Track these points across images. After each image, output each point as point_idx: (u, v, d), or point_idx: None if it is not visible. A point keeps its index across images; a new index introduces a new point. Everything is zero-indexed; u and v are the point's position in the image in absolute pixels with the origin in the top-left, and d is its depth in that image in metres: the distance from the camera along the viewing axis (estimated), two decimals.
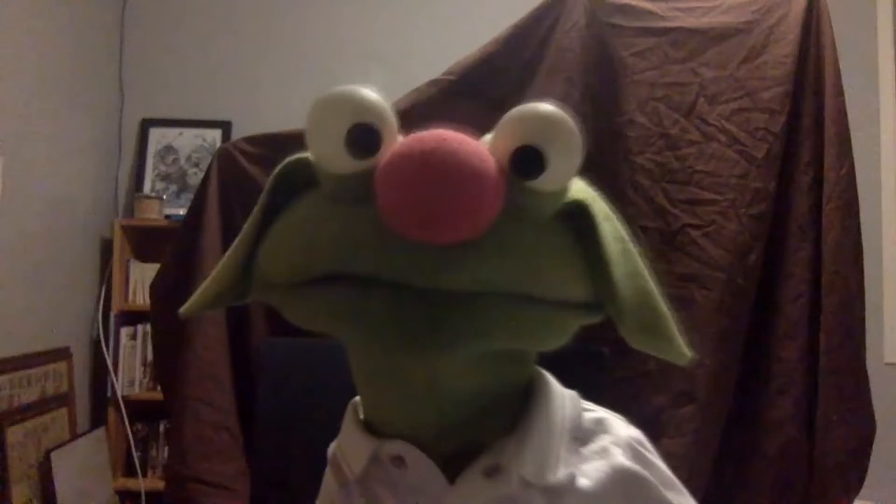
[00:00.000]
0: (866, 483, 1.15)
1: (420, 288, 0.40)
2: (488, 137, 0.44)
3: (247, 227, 0.49)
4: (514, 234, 0.42)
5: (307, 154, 0.46)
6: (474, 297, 0.40)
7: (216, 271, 0.51)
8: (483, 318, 0.41)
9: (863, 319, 1.19)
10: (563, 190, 0.44)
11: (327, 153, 0.43)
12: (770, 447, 1.17)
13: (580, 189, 0.47)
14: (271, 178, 0.48)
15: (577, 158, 0.43)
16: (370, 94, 0.42)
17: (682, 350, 0.47)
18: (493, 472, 0.48)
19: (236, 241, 0.50)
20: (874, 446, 1.16)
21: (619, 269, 0.45)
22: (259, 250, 0.48)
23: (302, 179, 0.46)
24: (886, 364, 2.19)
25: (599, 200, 0.48)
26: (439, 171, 0.38)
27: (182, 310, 0.52)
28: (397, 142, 0.41)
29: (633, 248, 0.47)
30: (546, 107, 0.42)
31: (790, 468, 1.16)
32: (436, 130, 0.39)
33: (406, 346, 0.41)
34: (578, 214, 0.45)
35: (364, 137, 0.41)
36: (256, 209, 0.48)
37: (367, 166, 0.41)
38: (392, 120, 0.43)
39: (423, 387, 0.46)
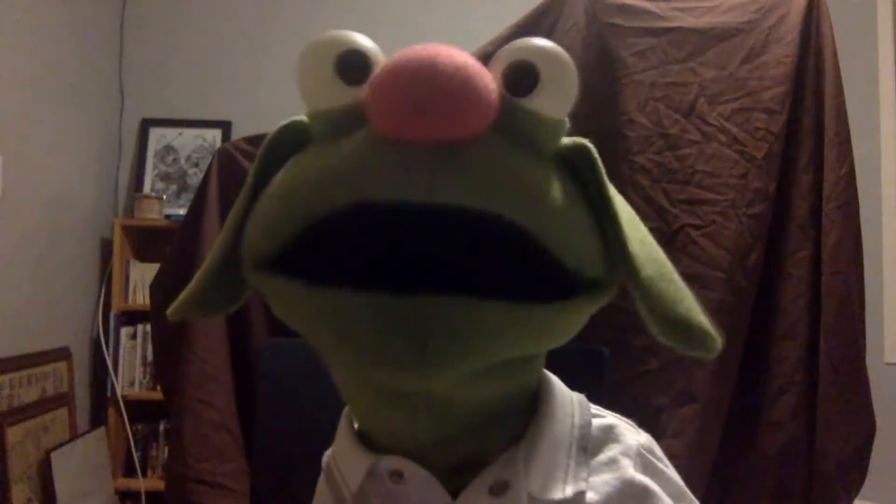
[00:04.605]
0: (866, 483, 1.15)
1: (415, 204, 0.36)
2: None
3: (236, 205, 0.46)
4: (510, 150, 0.39)
5: (298, 119, 0.45)
6: (468, 308, 0.37)
7: (205, 264, 0.47)
8: (476, 335, 0.37)
9: (863, 319, 1.19)
10: (561, 121, 0.42)
11: (318, 86, 0.42)
12: (770, 447, 1.17)
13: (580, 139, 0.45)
14: (262, 148, 0.45)
15: (571, 85, 0.41)
16: (359, 34, 0.42)
17: (708, 329, 0.41)
18: (499, 490, 0.46)
19: (228, 220, 0.46)
20: (874, 446, 1.16)
21: (629, 229, 0.42)
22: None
23: (293, 150, 0.44)
24: (886, 364, 2.19)
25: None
26: (430, 66, 0.36)
27: (169, 311, 0.48)
28: None
29: (641, 224, 0.45)
30: (539, 40, 0.41)
31: (790, 468, 1.16)
32: (428, 44, 0.38)
33: (392, 365, 0.37)
34: (581, 162, 0.43)
35: (354, 63, 0.40)
36: (247, 183, 0.45)
37: (359, 98, 0.39)
38: (379, 53, 0.42)
39: (417, 401, 0.43)
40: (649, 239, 0.44)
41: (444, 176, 0.36)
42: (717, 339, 0.41)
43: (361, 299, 0.37)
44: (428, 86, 0.35)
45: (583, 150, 0.43)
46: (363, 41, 0.41)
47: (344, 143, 0.39)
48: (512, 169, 0.39)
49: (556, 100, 0.41)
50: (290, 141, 0.44)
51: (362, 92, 0.39)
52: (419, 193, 0.36)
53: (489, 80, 0.37)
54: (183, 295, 0.48)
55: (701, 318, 0.41)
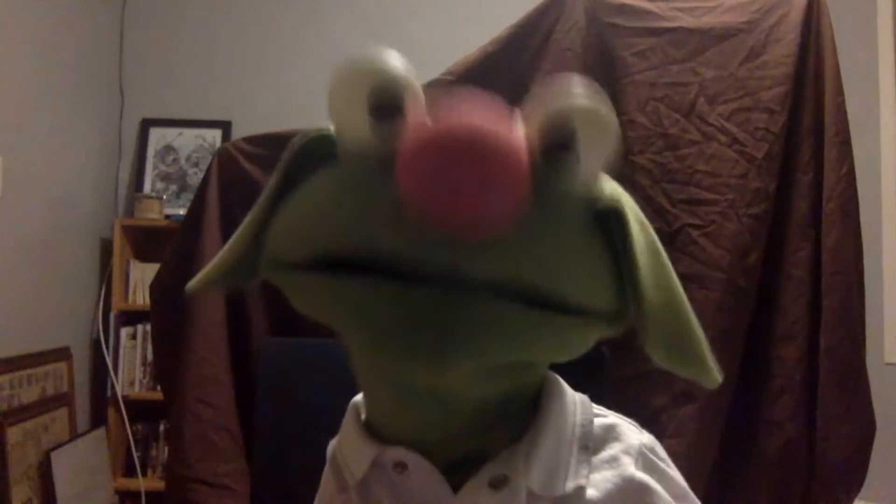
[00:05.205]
0: (866, 483, 1.15)
1: (436, 275, 0.37)
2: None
3: (262, 197, 0.46)
4: (540, 227, 0.38)
5: (326, 132, 0.44)
6: (486, 306, 0.38)
7: (228, 245, 0.48)
8: (493, 333, 0.38)
9: (863, 320, 1.19)
10: (595, 185, 0.42)
11: (347, 124, 0.40)
12: (770, 447, 1.17)
13: (614, 191, 0.44)
14: (292, 148, 0.45)
15: (609, 149, 0.40)
16: (394, 60, 0.39)
17: (712, 374, 0.44)
18: (499, 484, 0.46)
19: (250, 213, 0.47)
20: (874, 446, 1.16)
21: (648, 279, 0.42)
22: (272, 223, 0.45)
23: (323, 153, 0.44)
24: (886, 364, 2.19)
25: (635, 207, 0.45)
26: (467, 160, 0.35)
27: (189, 285, 0.50)
28: (421, 116, 0.38)
29: (667, 263, 0.45)
30: (579, 94, 0.39)
31: (790, 468, 1.16)
32: (465, 112, 0.36)
33: (409, 355, 0.38)
34: (611, 217, 0.42)
35: (386, 109, 0.38)
36: (273, 179, 0.46)
37: (389, 140, 0.38)
38: (417, 90, 0.39)
39: (428, 395, 0.43)
40: (668, 275, 0.44)
41: (472, 255, 0.37)
42: (718, 378, 0.44)
43: (386, 290, 0.38)
44: (464, 191, 0.35)
45: (615, 213, 0.42)
46: (398, 75, 0.39)
47: (374, 195, 0.39)
48: (539, 248, 0.39)
49: (594, 166, 0.40)
50: (320, 145, 0.44)
51: (392, 137, 0.38)
52: (446, 269, 0.37)
53: (525, 170, 0.36)
54: (202, 274, 0.49)
55: (707, 363, 0.44)
